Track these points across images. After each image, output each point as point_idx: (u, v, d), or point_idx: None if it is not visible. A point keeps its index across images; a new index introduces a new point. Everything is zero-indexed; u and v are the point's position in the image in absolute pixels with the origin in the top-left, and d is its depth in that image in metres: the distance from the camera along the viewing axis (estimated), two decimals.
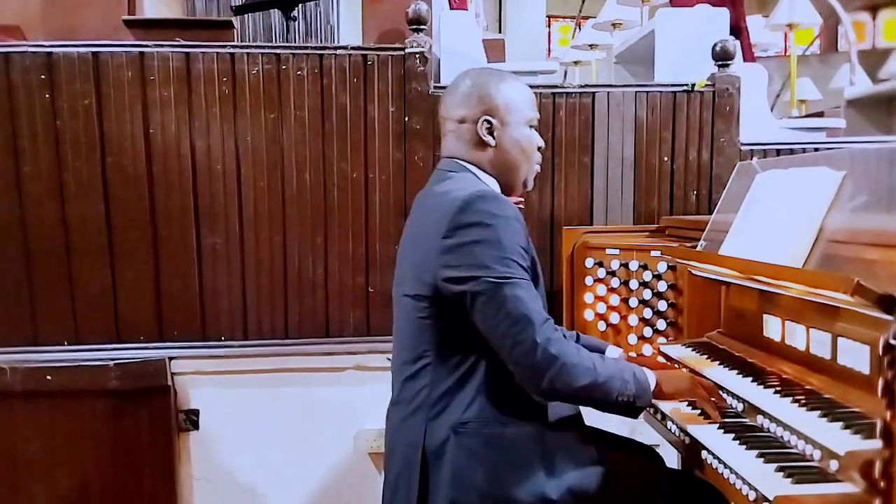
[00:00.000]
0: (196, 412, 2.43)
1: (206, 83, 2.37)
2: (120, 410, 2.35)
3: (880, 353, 0.99)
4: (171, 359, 2.39)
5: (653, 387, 1.49)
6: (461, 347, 1.48)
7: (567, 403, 1.53)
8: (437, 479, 1.45)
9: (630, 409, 1.48)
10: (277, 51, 2.41)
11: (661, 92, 2.58)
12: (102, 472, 2.37)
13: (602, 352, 1.77)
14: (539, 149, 1.66)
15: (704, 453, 1.42)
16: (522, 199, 1.69)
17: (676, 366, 1.83)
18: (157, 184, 2.37)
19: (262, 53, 2.40)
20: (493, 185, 1.59)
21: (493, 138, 1.57)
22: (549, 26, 11.66)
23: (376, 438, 2.39)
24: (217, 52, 2.37)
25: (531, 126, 1.63)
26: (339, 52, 2.43)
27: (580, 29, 6.62)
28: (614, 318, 2.17)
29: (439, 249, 1.44)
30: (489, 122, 1.57)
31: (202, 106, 2.38)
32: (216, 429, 2.44)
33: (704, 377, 1.62)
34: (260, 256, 2.43)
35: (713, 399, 1.53)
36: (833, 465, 1.16)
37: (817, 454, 1.21)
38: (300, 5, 3.45)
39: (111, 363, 2.33)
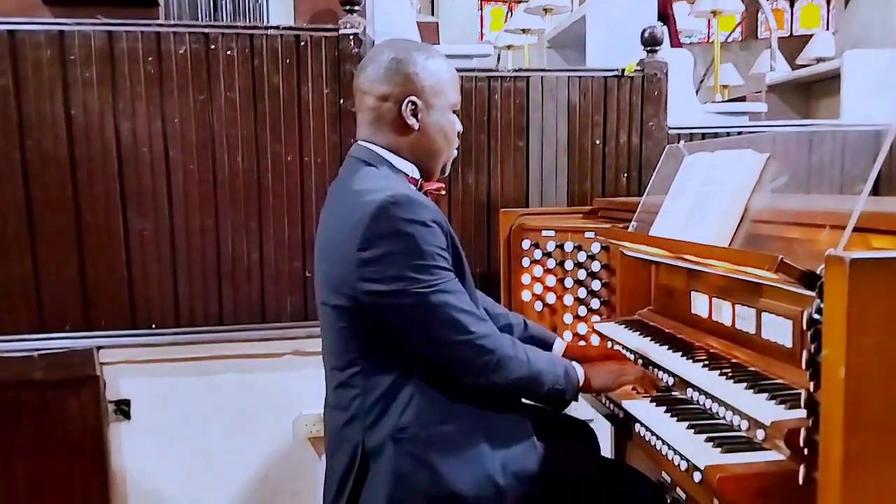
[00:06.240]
0: (127, 402, 2.37)
1: (130, 63, 2.28)
2: (47, 402, 2.27)
3: (804, 326, 1.04)
4: (99, 348, 2.32)
5: (581, 382, 1.54)
6: (390, 354, 1.44)
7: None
8: (377, 476, 1.43)
9: (559, 401, 1.53)
10: (206, 30, 2.33)
11: (592, 77, 2.63)
12: (30, 466, 2.29)
13: (550, 343, 1.79)
14: (458, 134, 1.61)
15: (637, 426, 1.47)
16: (443, 185, 1.66)
17: (609, 343, 1.89)
18: (80, 167, 2.28)
19: (190, 33, 2.32)
20: (412, 171, 1.55)
21: (417, 121, 1.51)
22: (481, 9, 11.68)
23: (315, 423, 2.38)
24: (142, 31, 2.28)
25: (454, 111, 1.58)
26: (270, 31, 2.37)
27: (512, 13, 6.67)
28: (551, 298, 2.21)
29: (356, 262, 1.38)
30: (414, 103, 1.50)
31: (126, 86, 2.29)
32: (149, 419, 2.38)
33: (629, 353, 1.68)
34: (191, 242, 2.37)
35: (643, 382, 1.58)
36: (760, 435, 1.22)
37: (745, 424, 1.27)
38: None
39: (36, 354, 2.24)
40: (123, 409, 2.37)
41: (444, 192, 1.68)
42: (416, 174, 1.56)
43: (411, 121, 1.51)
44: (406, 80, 1.50)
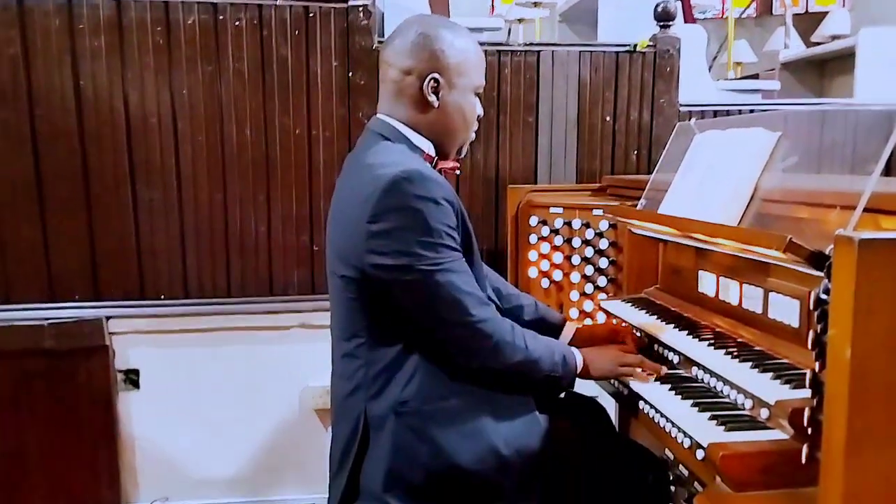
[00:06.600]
0: (136, 372, 2.39)
1: (138, 33, 2.28)
2: (57, 371, 2.30)
3: (810, 307, 1.04)
4: (108, 318, 2.34)
5: (579, 369, 1.54)
6: (395, 327, 1.45)
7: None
8: (377, 448, 1.44)
9: (556, 386, 1.54)
10: (214, 0, 2.32)
11: (604, 52, 2.60)
12: (40, 434, 2.33)
13: (559, 325, 1.80)
14: (478, 117, 1.60)
15: (642, 403, 1.48)
16: (458, 165, 1.65)
17: (614, 321, 1.89)
18: (88, 138, 2.28)
19: (198, 3, 2.31)
20: (428, 148, 1.54)
21: (438, 99, 1.50)
22: None
23: (322, 395, 2.40)
24: (150, 1, 2.27)
25: (476, 94, 1.57)
26: (279, 2, 2.35)
27: None
28: (557, 275, 2.21)
29: (365, 234, 1.38)
30: (436, 80, 1.48)
31: (135, 57, 2.28)
32: (157, 388, 2.41)
33: (634, 331, 1.68)
34: (199, 214, 2.37)
35: (642, 369, 1.57)
36: (764, 414, 1.22)
37: (749, 403, 1.28)
38: None
39: (46, 323, 2.27)
40: (132, 378, 2.40)
41: (459, 172, 1.67)
42: (432, 151, 1.55)
43: (431, 98, 1.50)
44: (431, 56, 1.49)
